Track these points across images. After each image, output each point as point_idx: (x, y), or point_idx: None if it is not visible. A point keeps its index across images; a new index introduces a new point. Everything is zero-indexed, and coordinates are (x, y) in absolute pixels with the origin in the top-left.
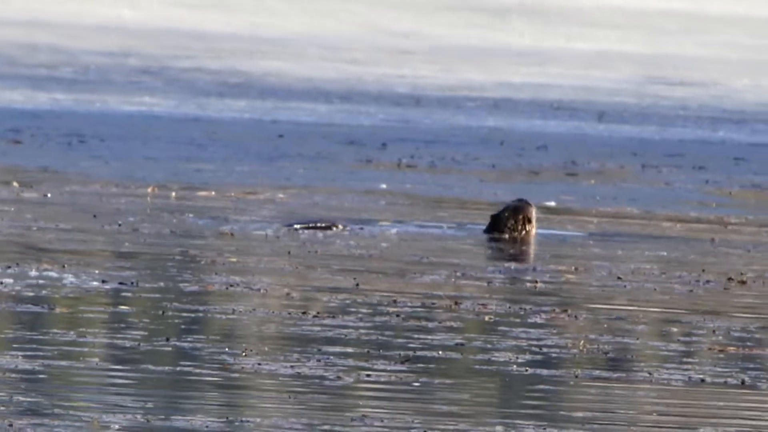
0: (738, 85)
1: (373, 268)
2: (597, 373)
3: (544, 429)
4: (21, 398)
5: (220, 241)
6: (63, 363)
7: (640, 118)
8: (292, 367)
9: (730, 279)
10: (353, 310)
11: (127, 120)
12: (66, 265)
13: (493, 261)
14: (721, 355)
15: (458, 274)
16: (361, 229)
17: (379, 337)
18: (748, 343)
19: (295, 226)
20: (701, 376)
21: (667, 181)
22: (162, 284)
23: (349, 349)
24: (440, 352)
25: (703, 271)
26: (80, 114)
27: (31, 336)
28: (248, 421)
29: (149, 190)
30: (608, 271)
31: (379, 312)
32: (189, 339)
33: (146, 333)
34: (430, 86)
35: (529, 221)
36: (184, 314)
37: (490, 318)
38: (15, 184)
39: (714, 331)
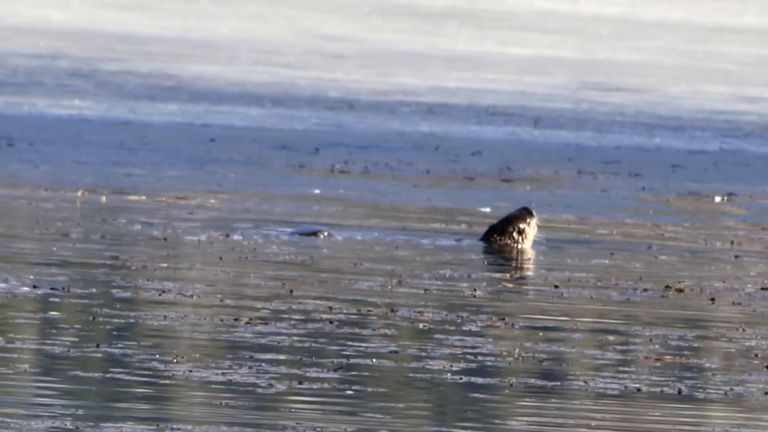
0: (675, 92)
1: (307, 276)
2: (532, 381)
3: None
4: None
5: (151, 246)
6: None
7: (576, 123)
8: (223, 374)
9: (667, 287)
10: (286, 317)
11: (56, 123)
12: None
13: (432, 269)
14: (658, 365)
15: (394, 281)
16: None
17: (313, 345)
18: (685, 352)
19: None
20: (637, 386)
21: (603, 188)
22: (93, 290)
23: (282, 357)
24: (374, 360)
25: (640, 279)
26: (9, 117)
27: None
28: (179, 429)
29: (79, 194)
30: (544, 279)
31: (313, 319)
32: (119, 345)
33: (76, 339)
34: (363, 91)
35: (521, 231)
36: (115, 320)
37: (425, 326)
38: None
39: (651, 340)
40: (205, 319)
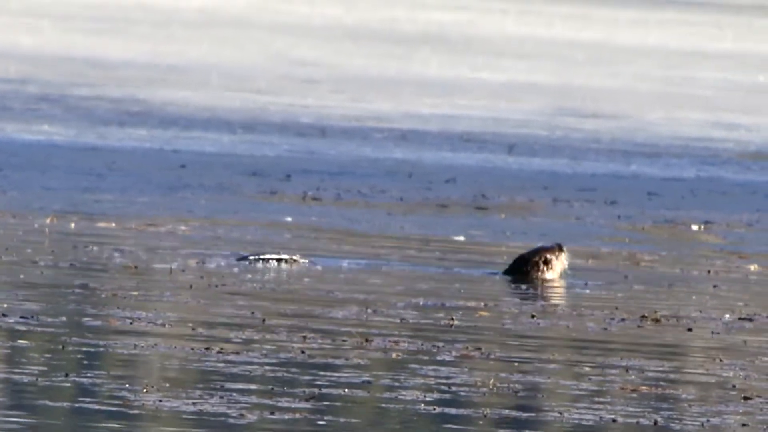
0: (651, 118)
1: (280, 305)
2: (506, 412)
3: None
4: None
5: (121, 274)
6: None
7: (551, 150)
8: (194, 404)
9: (643, 317)
10: (258, 346)
11: (24, 149)
12: None
13: (406, 297)
14: (634, 395)
15: (369, 310)
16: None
17: (285, 374)
18: (662, 383)
19: (250, 257)
20: (613, 416)
21: (578, 216)
22: (62, 318)
23: (253, 386)
24: (346, 390)
25: (617, 308)
26: None
27: None
28: None
29: (48, 220)
30: (519, 308)
31: (285, 348)
32: (89, 374)
33: (45, 368)
34: (335, 116)
35: (546, 263)
36: (84, 349)
37: (398, 355)
38: None
39: (627, 371)
40: (175, 348)
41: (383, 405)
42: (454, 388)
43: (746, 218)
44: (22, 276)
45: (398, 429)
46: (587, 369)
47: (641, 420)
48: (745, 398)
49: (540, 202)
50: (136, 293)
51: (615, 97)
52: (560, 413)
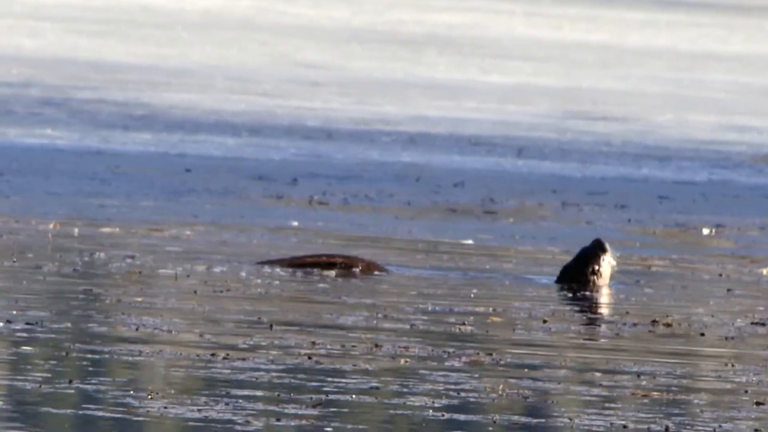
0: (661, 121)
1: (288, 308)
2: (516, 418)
3: None
4: None
5: (125, 279)
6: None
7: (561, 154)
8: (199, 410)
9: (654, 321)
10: (264, 352)
11: (27, 153)
12: None
13: (414, 302)
14: (645, 401)
15: (379, 315)
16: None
17: (292, 380)
18: (673, 389)
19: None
20: (623, 422)
21: (588, 220)
22: (66, 324)
23: (259, 393)
24: (354, 396)
25: (627, 313)
26: None
27: None
28: None
29: (51, 226)
30: (528, 313)
31: (292, 354)
32: (93, 381)
33: (49, 375)
34: (342, 120)
35: (594, 272)
36: (89, 355)
37: (407, 361)
38: None
39: (638, 376)
40: (181, 354)
41: (391, 411)
42: (462, 394)
43: (759, 222)
44: (25, 282)
45: None
46: (597, 374)
47: (652, 426)
48: (758, 403)
49: (549, 206)
50: (140, 299)
51: (625, 100)
52: (570, 419)
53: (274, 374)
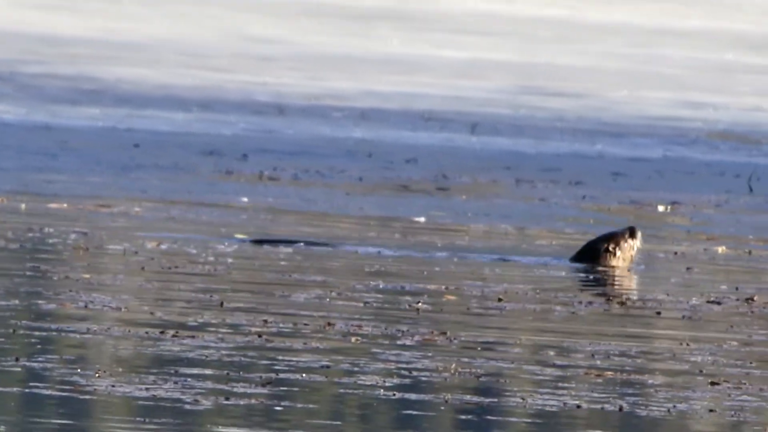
0: (616, 97)
1: (239, 287)
2: (468, 398)
3: None
4: None
5: (73, 256)
6: None
7: (515, 130)
8: (147, 389)
9: (608, 300)
10: (214, 330)
11: None
12: None
13: (365, 280)
14: (599, 381)
15: (332, 293)
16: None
17: (242, 359)
18: (628, 368)
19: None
20: (577, 402)
21: (542, 197)
22: (14, 302)
23: (209, 371)
24: (304, 375)
25: (581, 291)
26: None
27: None
28: None
29: None
30: (481, 291)
31: (242, 332)
32: (40, 359)
33: None
34: (293, 95)
35: (611, 252)
36: (36, 333)
37: (357, 339)
38: None
39: (593, 355)
40: (129, 332)
41: (342, 390)
42: (414, 373)
43: (714, 199)
44: None
45: (357, 415)
46: (551, 354)
47: (606, 406)
48: (713, 383)
49: (503, 183)
50: (88, 276)
51: (580, 76)
52: (523, 399)
53: (224, 352)
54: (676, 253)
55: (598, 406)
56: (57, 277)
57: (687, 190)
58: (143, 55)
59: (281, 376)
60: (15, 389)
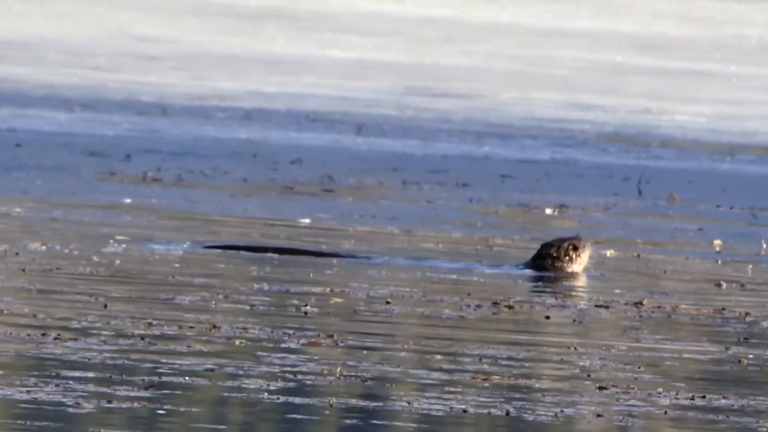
0: (505, 98)
1: (123, 290)
2: (354, 402)
3: None
4: None
5: None
6: None
7: (401, 131)
8: (28, 392)
9: (495, 303)
10: (97, 332)
11: None
12: None
13: (256, 283)
14: (486, 385)
15: (219, 296)
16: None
17: (125, 362)
18: (515, 372)
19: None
20: (463, 407)
21: (429, 199)
22: None
23: (91, 374)
24: (188, 378)
25: (469, 294)
26: None
27: None
28: None
29: None
30: (366, 294)
31: (126, 334)
32: None
33: None
34: (178, 95)
35: (572, 253)
36: None
37: (242, 342)
38: None
39: (480, 359)
40: (10, 333)
41: (225, 394)
42: (299, 377)
43: (602, 202)
44: None
45: (240, 418)
46: (438, 357)
47: (492, 410)
48: (600, 388)
49: (389, 185)
50: None
51: (468, 76)
52: (409, 403)
53: (106, 355)
54: None
55: (485, 411)
56: None
57: (575, 193)
58: (25, 54)
59: (164, 379)
60: None
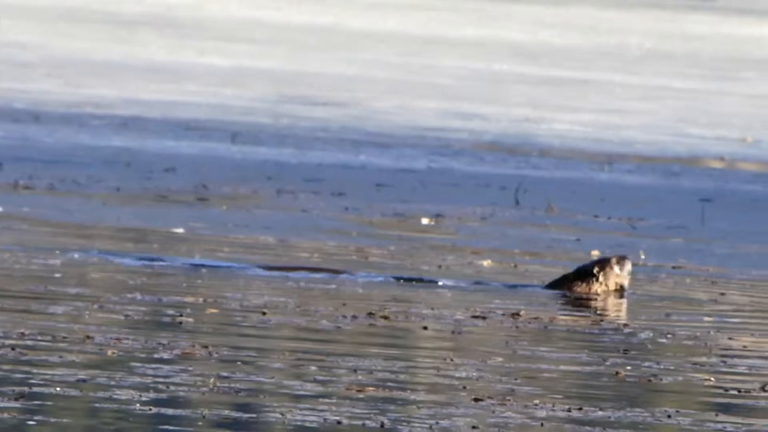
0: (384, 107)
1: None
2: (226, 413)
3: None
4: None
5: None
6: None
7: (277, 139)
8: None
9: (370, 314)
10: None
11: None
12: None
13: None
14: (361, 396)
15: (94, 306)
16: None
17: None
18: (390, 384)
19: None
20: (338, 418)
21: (304, 208)
22: None
23: None
24: (59, 389)
25: (344, 305)
26: None
27: None
28: None
29: None
30: (240, 304)
31: None
32: None
33: None
34: (52, 102)
35: (587, 278)
36: None
37: (114, 353)
38: None
39: (355, 371)
40: None
41: (96, 405)
42: (172, 388)
43: (479, 211)
44: None
45: (111, 430)
46: (313, 368)
47: (367, 422)
48: (476, 399)
49: (264, 193)
50: None
51: (348, 85)
52: (282, 414)
53: None
54: (440, 266)
55: (360, 422)
56: None
57: (452, 202)
58: None
59: (35, 389)
60: None
